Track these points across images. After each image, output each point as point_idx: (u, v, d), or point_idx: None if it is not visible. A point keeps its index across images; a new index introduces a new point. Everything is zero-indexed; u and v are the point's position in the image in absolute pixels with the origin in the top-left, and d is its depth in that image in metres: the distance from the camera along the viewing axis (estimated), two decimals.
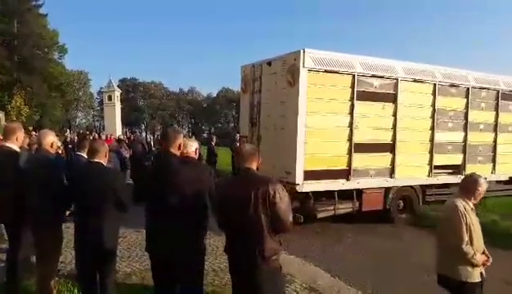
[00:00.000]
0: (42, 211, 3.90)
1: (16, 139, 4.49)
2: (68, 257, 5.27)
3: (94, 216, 3.55)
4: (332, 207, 8.07)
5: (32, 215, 4.00)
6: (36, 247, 4.18)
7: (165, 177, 3.24)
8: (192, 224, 3.24)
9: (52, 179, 3.91)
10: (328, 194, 8.07)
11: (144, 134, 60.02)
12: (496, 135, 9.86)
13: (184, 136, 3.66)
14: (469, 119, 9.40)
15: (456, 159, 9.45)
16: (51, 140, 4.20)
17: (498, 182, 10.32)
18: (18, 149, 4.47)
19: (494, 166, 9.96)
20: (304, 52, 7.30)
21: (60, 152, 6.39)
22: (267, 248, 2.94)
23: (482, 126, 9.68)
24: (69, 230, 3.88)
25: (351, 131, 7.91)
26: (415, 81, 8.59)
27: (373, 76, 8.06)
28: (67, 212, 4.16)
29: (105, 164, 3.77)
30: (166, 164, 3.31)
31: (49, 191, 3.85)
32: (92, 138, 13.34)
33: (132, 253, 6.20)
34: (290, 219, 3.00)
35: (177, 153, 3.38)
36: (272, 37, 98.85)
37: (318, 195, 7.98)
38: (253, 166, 3.13)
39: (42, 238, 4.02)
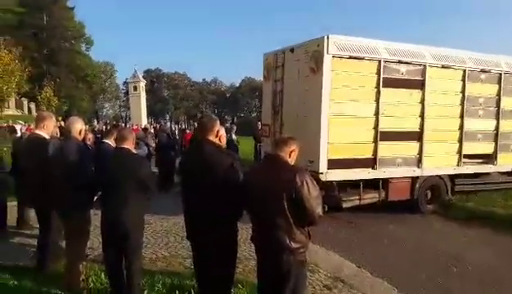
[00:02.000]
0: (69, 198, 3.99)
1: (44, 126, 4.60)
2: (95, 243, 5.38)
3: (119, 203, 3.59)
4: (357, 197, 7.94)
5: (60, 200, 4.10)
6: (65, 233, 4.31)
7: (204, 168, 3.21)
8: (226, 210, 3.22)
9: (80, 165, 3.98)
10: (353, 184, 7.94)
11: (168, 124, 60.80)
12: None
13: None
14: (501, 106, 9.02)
15: (487, 148, 9.12)
16: (79, 128, 4.27)
17: None
18: (47, 136, 4.59)
19: None
20: (328, 38, 7.14)
21: (88, 142, 6.50)
22: (294, 240, 2.89)
23: None
24: (97, 217, 3.94)
25: (377, 118, 7.72)
26: (443, 67, 8.30)
27: (399, 62, 7.83)
28: (95, 198, 4.23)
29: (132, 150, 3.80)
30: (204, 153, 3.27)
31: (77, 177, 3.94)
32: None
33: (157, 240, 6.29)
34: (319, 211, 2.90)
35: (215, 140, 3.34)
36: (296, 24, 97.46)
37: (343, 184, 7.86)
38: (283, 153, 3.04)
39: (70, 223, 4.14)
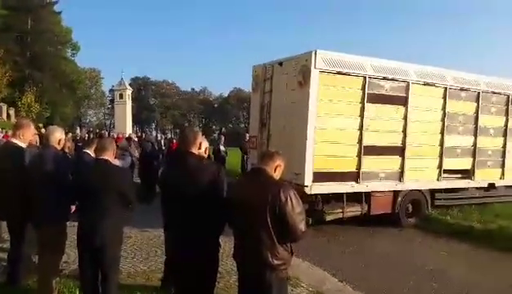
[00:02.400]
0: (45, 208, 3.88)
1: (21, 135, 4.45)
2: (71, 256, 5.21)
3: (97, 215, 3.51)
4: (341, 210, 8.02)
5: (35, 212, 3.98)
6: (39, 245, 4.14)
7: (185, 180, 3.16)
8: (210, 224, 3.17)
9: (57, 176, 3.87)
10: (336, 197, 8.01)
11: (154, 133, 60.35)
12: (505, 140, 9.75)
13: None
14: (479, 124, 9.30)
15: (466, 164, 9.35)
16: (58, 137, 4.16)
17: (507, 187, 10.22)
18: (23, 146, 4.44)
19: (503, 171, 9.84)
20: (316, 53, 7.26)
21: (67, 150, 6.38)
22: (276, 256, 2.84)
23: (492, 131, 9.57)
24: (74, 229, 3.81)
25: (361, 133, 7.84)
26: (426, 84, 8.51)
27: (384, 78, 8.00)
28: (72, 210, 4.13)
29: (112, 162, 3.74)
30: (186, 166, 3.23)
31: (53, 188, 3.83)
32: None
33: (136, 254, 6.14)
34: (302, 227, 2.86)
35: (197, 152, 3.30)
36: (286, 39, 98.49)
37: (327, 197, 7.93)
38: (269, 168, 3.01)
39: (45, 235, 3.98)
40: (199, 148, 3.34)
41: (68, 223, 4.18)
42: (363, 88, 7.78)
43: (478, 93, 9.22)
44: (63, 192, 3.83)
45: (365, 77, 7.76)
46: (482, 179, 9.58)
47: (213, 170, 3.29)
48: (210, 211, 3.11)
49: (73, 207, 4.14)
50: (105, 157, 3.66)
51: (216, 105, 77.88)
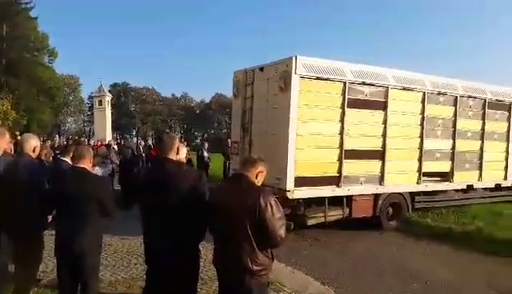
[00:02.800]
0: (21, 217, 3.77)
1: None
2: (49, 266, 5.11)
3: (75, 223, 3.44)
4: (322, 214, 8.06)
5: (10, 221, 3.85)
6: (15, 255, 4.02)
7: (163, 186, 3.15)
8: (190, 230, 3.15)
9: (32, 184, 3.79)
10: (318, 201, 8.05)
11: (135, 139, 59.65)
12: (482, 143, 9.99)
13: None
14: (457, 127, 9.50)
15: (444, 166, 9.54)
16: (33, 145, 4.07)
17: (484, 189, 10.47)
18: None
19: (481, 173, 10.08)
20: (296, 59, 7.32)
21: (44, 157, 6.25)
22: (256, 262, 2.83)
23: (469, 134, 9.79)
24: (51, 238, 3.73)
25: (342, 138, 7.92)
26: (404, 89, 8.66)
27: (363, 83, 8.11)
28: (49, 219, 4.05)
29: (89, 169, 3.67)
30: (164, 172, 3.22)
31: (28, 197, 3.74)
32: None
33: (117, 262, 6.04)
34: (281, 233, 2.86)
35: (175, 158, 3.31)
36: (267, 44, 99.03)
37: (308, 202, 7.97)
38: (250, 174, 3.00)
39: (21, 245, 3.89)
40: (178, 153, 3.33)
41: (46, 232, 4.10)
42: (343, 93, 7.87)
43: (456, 97, 9.43)
44: (39, 200, 3.74)
45: (345, 83, 7.85)
46: (460, 181, 9.80)
47: (193, 175, 3.29)
48: (189, 217, 3.10)
49: (50, 217, 4.05)
50: (82, 165, 3.60)
51: (198, 111, 77.49)
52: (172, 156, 3.26)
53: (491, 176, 10.35)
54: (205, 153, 13.56)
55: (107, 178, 6.53)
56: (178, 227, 3.10)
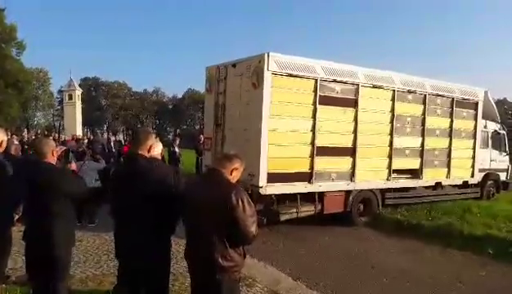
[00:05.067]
0: None
1: None
2: (18, 262, 4.98)
3: (43, 219, 3.37)
4: (295, 210, 8.14)
5: None
6: None
7: (135, 181, 3.12)
8: (159, 227, 3.14)
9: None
10: (291, 197, 8.13)
11: (106, 134, 58.47)
12: (450, 140, 10.28)
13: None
14: (426, 125, 9.74)
15: (414, 163, 9.77)
16: (0, 139, 3.97)
17: (453, 186, 10.80)
18: None
19: (449, 170, 10.37)
20: (269, 56, 7.33)
21: (13, 152, 6.05)
22: (226, 259, 2.83)
23: (438, 132, 10.05)
24: (21, 234, 3.64)
25: (313, 134, 8.00)
26: (374, 87, 8.81)
27: (335, 81, 8.21)
28: (16, 216, 3.95)
29: (53, 163, 3.57)
30: (136, 167, 3.19)
31: None
32: (51, 138, 12.87)
33: (88, 258, 5.96)
34: (253, 230, 2.85)
35: (147, 155, 3.24)
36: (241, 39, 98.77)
37: (281, 198, 8.03)
38: (224, 169, 2.97)
39: None
40: (149, 151, 3.27)
41: (14, 228, 4.03)
42: (315, 90, 7.95)
43: (425, 95, 9.67)
44: (5, 196, 3.66)
45: (316, 80, 7.93)
46: (429, 178, 10.07)
47: (166, 171, 3.28)
48: (159, 212, 3.09)
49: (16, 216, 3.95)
50: (46, 159, 3.49)
51: (170, 106, 76.60)
52: (144, 152, 3.22)
53: (459, 174, 10.68)
54: (176, 149, 13.46)
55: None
56: (148, 222, 3.08)
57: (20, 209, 3.86)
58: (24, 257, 3.72)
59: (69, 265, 3.79)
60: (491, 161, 12.23)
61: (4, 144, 4.09)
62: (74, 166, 4.34)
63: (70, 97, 43.25)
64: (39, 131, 31.34)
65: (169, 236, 3.28)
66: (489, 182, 12.20)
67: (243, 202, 2.80)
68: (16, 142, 10.04)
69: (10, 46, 45.15)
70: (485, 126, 11.70)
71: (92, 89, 71.33)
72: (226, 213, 2.77)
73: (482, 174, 11.75)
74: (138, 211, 3.10)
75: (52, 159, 3.56)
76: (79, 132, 34.62)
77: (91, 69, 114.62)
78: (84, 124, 50.66)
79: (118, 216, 3.31)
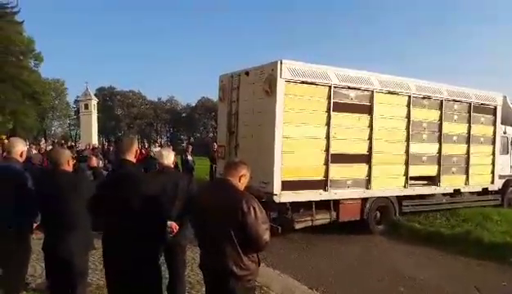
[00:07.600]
0: (6, 223, 3.74)
1: None
2: (38, 269, 5.07)
3: (63, 226, 3.43)
4: (310, 218, 8.06)
5: None
6: (1, 259, 3.97)
7: (121, 186, 3.17)
8: (147, 237, 3.14)
9: (18, 189, 3.76)
10: (305, 205, 8.05)
11: None
12: (468, 146, 10.08)
13: (162, 146, 3.62)
14: (443, 131, 9.58)
15: (431, 170, 9.60)
16: (20, 149, 4.07)
17: (472, 193, 10.56)
18: None
19: (467, 177, 10.15)
20: (281, 63, 7.34)
21: (35, 161, 6.18)
22: (240, 267, 2.82)
23: (455, 138, 9.88)
24: (39, 241, 3.73)
25: (328, 141, 7.94)
26: (390, 93, 8.72)
27: (348, 87, 8.15)
28: (34, 225, 4.00)
29: (68, 171, 3.65)
30: (123, 172, 3.29)
31: (15, 201, 3.71)
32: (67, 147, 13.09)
33: None
34: (266, 237, 2.85)
35: (134, 160, 3.36)
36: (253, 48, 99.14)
37: (296, 205, 7.95)
38: (233, 178, 2.99)
39: (7, 250, 3.86)
40: (136, 155, 3.40)
41: (34, 236, 4.09)
42: (329, 97, 7.91)
43: (441, 101, 9.53)
44: (24, 206, 3.72)
45: (330, 87, 7.89)
46: (447, 185, 9.86)
47: (177, 178, 3.30)
48: (146, 221, 3.11)
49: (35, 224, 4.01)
50: (63, 167, 3.57)
51: (184, 115, 77.20)
52: (130, 157, 3.32)
53: (478, 180, 10.43)
54: (189, 157, 13.52)
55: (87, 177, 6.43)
56: (133, 232, 3.07)
57: (39, 218, 3.89)
58: (43, 264, 3.80)
59: (87, 272, 3.85)
60: (511, 167, 11.94)
61: (24, 155, 4.20)
62: (94, 162, 4.47)
63: (86, 107, 43.88)
64: (56, 141, 31.79)
65: (158, 248, 3.33)
66: (510, 189, 11.88)
67: (254, 208, 2.81)
68: (35, 151, 10.21)
69: (28, 58, 46.22)
70: (504, 132, 11.42)
71: (108, 98, 72.33)
72: (238, 220, 2.77)
73: (503, 180, 11.44)
74: (124, 215, 3.11)
75: (68, 168, 3.63)
76: (95, 141, 35.04)
77: (106, 78, 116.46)
78: (100, 133, 51.37)
79: (105, 226, 3.32)
